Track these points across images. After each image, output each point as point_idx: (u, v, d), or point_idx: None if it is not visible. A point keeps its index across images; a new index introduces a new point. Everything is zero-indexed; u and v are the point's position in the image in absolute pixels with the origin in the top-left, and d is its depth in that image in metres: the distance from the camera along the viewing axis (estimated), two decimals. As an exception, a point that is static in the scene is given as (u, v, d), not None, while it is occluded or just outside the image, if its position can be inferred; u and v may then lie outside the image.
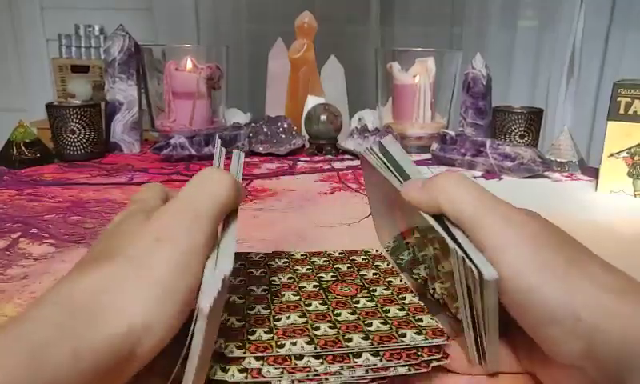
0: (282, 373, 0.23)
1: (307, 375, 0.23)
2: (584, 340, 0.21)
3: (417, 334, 0.25)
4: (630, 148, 0.59)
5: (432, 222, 0.26)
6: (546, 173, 0.68)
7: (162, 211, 0.24)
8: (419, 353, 0.24)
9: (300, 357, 0.23)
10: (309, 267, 0.33)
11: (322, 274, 0.32)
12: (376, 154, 0.32)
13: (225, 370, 0.23)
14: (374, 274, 0.33)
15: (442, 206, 0.25)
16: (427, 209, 0.26)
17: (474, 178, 0.68)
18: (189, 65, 0.81)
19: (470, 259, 0.23)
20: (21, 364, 0.17)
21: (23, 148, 0.69)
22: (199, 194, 0.24)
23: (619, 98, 0.58)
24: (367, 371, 0.23)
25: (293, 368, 0.23)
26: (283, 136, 0.80)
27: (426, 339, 0.25)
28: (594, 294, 0.21)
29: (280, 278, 0.31)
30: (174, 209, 0.23)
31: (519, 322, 0.23)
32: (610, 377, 0.20)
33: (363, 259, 0.35)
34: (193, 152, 0.73)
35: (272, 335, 0.25)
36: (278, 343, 0.24)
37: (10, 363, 0.16)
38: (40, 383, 0.17)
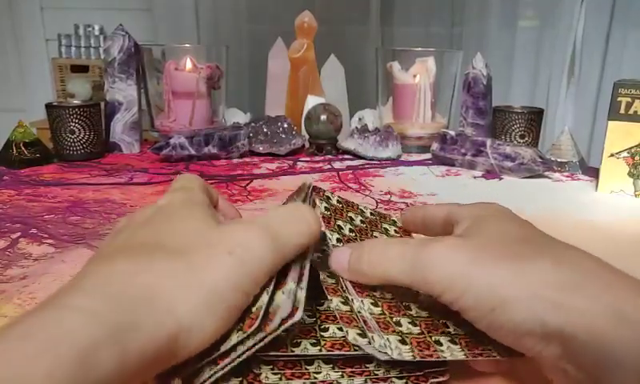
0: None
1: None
2: (557, 343, 0.21)
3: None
4: (630, 148, 0.59)
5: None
6: (547, 173, 0.68)
7: (241, 226, 0.23)
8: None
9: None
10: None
11: None
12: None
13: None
14: None
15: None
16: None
17: (474, 177, 0.68)
18: (188, 65, 0.81)
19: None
20: (70, 367, 0.16)
21: (23, 148, 0.69)
22: (287, 229, 0.24)
23: (620, 98, 0.58)
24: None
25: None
26: (283, 136, 0.80)
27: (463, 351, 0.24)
28: (551, 296, 0.21)
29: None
30: (257, 230, 0.23)
31: (499, 340, 0.23)
32: (591, 376, 0.20)
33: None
34: (192, 152, 0.73)
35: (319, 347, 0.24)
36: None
37: (59, 366, 0.16)
38: None
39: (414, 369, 0.23)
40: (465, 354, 0.23)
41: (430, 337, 0.24)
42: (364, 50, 1.86)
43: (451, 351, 0.23)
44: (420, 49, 0.85)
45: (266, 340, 0.21)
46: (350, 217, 0.32)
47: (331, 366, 0.23)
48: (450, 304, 0.23)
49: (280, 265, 0.23)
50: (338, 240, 0.28)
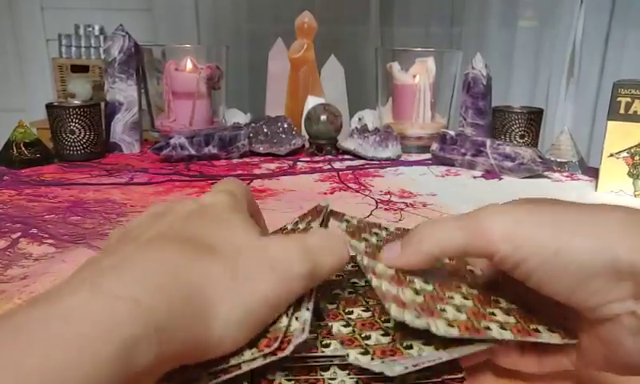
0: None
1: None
2: (631, 279, 0.20)
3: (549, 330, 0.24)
4: (630, 148, 0.59)
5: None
6: (546, 173, 0.68)
7: (282, 243, 0.23)
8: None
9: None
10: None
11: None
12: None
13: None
14: None
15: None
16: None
17: (474, 177, 0.68)
18: (189, 65, 0.81)
19: None
20: (110, 360, 0.16)
21: (23, 148, 0.69)
22: (324, 258, 0.23)
23: (619, 98, 0.58)
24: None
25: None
26: (283, 136, 0.80)
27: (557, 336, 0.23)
28: (619, 233, 0.20)
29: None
30: (298, 252, 0.23)
31: (554, 296, 0.22)
32: None
33: None
34: (193, 152, 0.73)
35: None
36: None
37: (100, 357, 0.15)
38: (122, 380, 0.16)
39: (430, 375, 0.23)
40: (513, 336, 0.23)
41: (479, 322, 0.23)
42: (364, 50, 1.86)
43: (500, 333, 0.22)
44: (420, 49, 0.85)
45: (272, 360, 0.21)
46: (365, 238, 0.30)
47: (347, 372, 0.23)
48: (507, 258, 0.22)
49: (307, 290, 0.23)
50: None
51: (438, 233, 0.24)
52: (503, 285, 0.26)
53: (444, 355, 0.22)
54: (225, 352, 0.20)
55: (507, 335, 0.22)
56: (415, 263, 0.25)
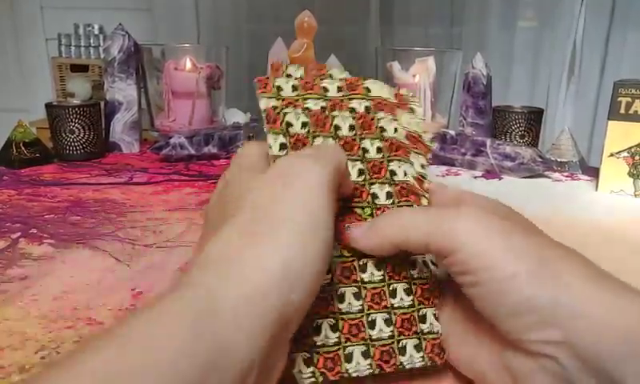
0: None
1: None
2: (561, 327, 0.20)
3: (416, 348, 0.25)
4: (630, 148, 0.59)
5: None
6: (547, 173, 0.68)
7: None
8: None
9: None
10: None
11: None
12: None
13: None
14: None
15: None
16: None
17: (474, 177, 0.68)
18: (188, 64, 0.81)
19: None
20: (185, 330, 0.17)
21: (23, 148, 0.69)
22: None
23: (620, 98, 0.58)
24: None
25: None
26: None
27: (423, 359, 0.25)
28: (572, 280, 0.21)
29: None
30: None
31: (487, 314, 0.22)
32: (587, 364, 0.20)
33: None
34: (192, 152, 0.73)
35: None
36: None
37: (175, 329, 0.17)
38: (202, 350, 0.17)
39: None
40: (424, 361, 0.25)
41: (398, 342, 0.25)
42: (364, 49, 1.86)
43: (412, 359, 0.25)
44: (420, 49, 0.85)
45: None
46: (307, 108, 0.28)
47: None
48: (462, 263, 0.22)
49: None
50: (282, 146, 0.26)
51: (404, 221, 0.25)
52: (446, 286, 0.27)
53: None
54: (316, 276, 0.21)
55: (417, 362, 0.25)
56: (375, 248, 0.25)
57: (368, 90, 0.30)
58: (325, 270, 0.22)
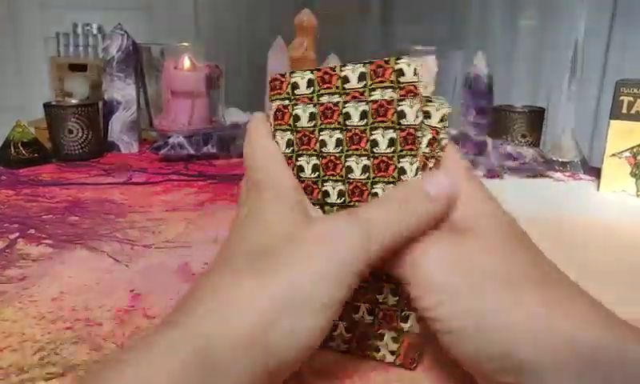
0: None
1: None
2: (514, 375, 0.20)
3: (394, 340, 0.26)
4: (632, 147, 0.58)
5: None
6: (548, 172, 0.68)
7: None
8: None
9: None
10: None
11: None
12: None
13: None
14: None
15: None
16: None
17: (476, 177, 0.68)
18: (186, 62, 0.81)
19: None
20: (190, 361, 0.18)
21: (21, 148, 0.69)
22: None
23: (621, 97, 0.58)
24: None
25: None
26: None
27: (397, 353, 0.26)
28: (532, 335, 0.20)
29: None
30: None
31: (453, 350, 0.22)
32: None
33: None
34: (191, 151, 0.72)
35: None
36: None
37: (178, 362, 0.17)
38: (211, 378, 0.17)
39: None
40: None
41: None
42: (364, 49, 1.86)
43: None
44: (421, 48, 0.85)
45: None
46: (323, 141, 0.25)
47: None
48: (435, 307, 0.22)
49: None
50: (289, 143, 0.26)
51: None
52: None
53: None
54: None
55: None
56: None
57: (400, 73, 0.24)
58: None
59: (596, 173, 0.65)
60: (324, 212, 0.26)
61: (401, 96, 0.24)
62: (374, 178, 0.24)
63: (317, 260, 0.21)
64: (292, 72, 0.25)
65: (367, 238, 0.21)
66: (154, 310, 0.33)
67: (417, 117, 0.23)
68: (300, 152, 0.25)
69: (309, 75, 0.25)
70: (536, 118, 0.76)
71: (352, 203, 0.25)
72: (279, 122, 0.26)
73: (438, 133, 0.24)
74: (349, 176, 0.25)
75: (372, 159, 0.24)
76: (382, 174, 0.24)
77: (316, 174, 0.25)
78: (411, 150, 0.23)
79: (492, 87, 0.82)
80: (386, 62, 0.24)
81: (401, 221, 0.22)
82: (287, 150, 0.26)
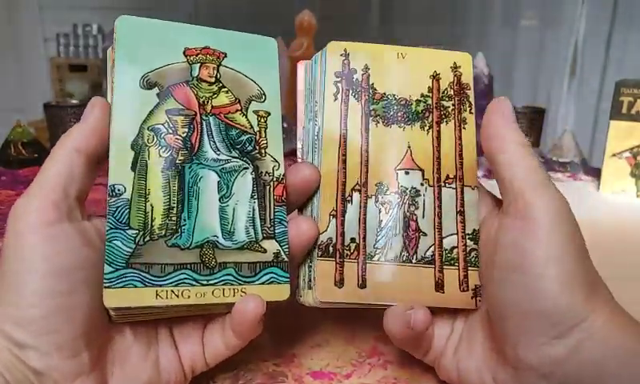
0: None
1: None
2: (569, 346, 0.20)
3: None
4: (632, 148, 0.58)
5: None
6: (548, 173, 0.67)
7: None
8: None
9: None
10: None
11: None
12: None
13: None
14: None
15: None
16: None
17: (476, 178, 0.67)
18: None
19: None
20: None
21: (21, 148, 0.69)
22: None
23: (622, 98, 0.58)
24: None
25: None
26: (283, 135, 0.80)
27: None
28: (603, 306, 0.21)
29: None
30: None
31: (500, 318, 0.22)
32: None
33: None
34: (192, 152, 0.72)
35: None
36: None
37: None
38: None
39: None
40: None
41: None
42: (364, 49, 1.86)
43: None
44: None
45: None
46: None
47: None
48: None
49: None
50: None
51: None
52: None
53: None
54: None
55: None
56: None
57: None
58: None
59: (596, 173, 0.65)
60: None
61: None
62: None
63: None
64: None
65: None
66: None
67: None
68: None
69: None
70: (536, 119, 0.76)
71: None
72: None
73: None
74: None
75: None
76: None
77: None
78: None
79: (492, 87, 0.81)
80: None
81: None
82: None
